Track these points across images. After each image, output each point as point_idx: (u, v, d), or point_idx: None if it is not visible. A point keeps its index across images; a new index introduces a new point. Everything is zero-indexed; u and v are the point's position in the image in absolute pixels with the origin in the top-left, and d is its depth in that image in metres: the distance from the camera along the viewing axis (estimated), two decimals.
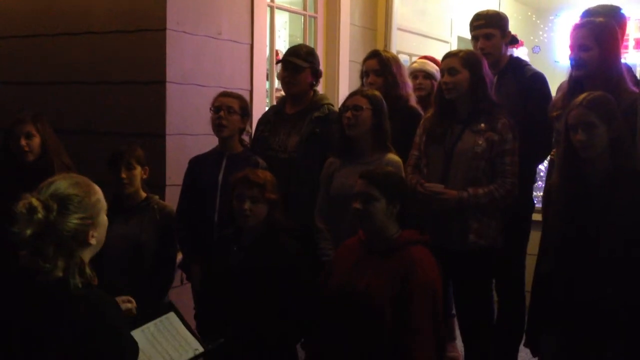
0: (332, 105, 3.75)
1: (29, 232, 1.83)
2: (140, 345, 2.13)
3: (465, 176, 3.18)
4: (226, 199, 3.11)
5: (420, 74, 4.25)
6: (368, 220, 2.69)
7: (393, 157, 3.24)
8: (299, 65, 3.58)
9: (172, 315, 2.53)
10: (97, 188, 2.00)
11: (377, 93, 3.35)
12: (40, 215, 1.83)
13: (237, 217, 2.87)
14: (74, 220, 1.88)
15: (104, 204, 2.00)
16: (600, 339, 2.56)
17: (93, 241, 1.94)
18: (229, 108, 3.35)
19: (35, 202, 1.85)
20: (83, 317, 1.85)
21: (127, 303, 2.34)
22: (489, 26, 3.56)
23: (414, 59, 6.67)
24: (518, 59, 3.79)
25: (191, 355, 2.37)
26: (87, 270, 1.91)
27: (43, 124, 3.45)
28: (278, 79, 3.74)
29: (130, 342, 2.00)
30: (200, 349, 2.41)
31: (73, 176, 2.02)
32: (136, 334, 2.31)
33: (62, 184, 1.93)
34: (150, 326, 2.44)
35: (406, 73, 3.96)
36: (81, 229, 1.90)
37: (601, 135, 2.57)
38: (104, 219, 1.99)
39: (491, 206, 3.18)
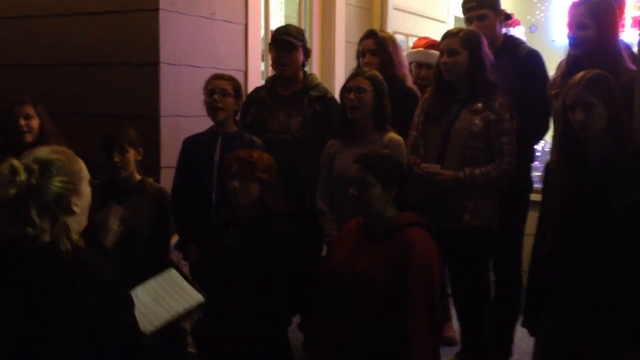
0: (323, 84, 3.75)
1: (12, 192, 1.83)
2: (143, 301, 2.16)
3: (462, 156, 3.17)
4: (223, 178, 3.10)
5: (424, 66, 4.20)
6: (365, 206, 2.68)
7: (394, 136, 3.24)
8: (292, 42, 3.56)
9: (172, 271, 2.55)
10: (78, 159, 2.01)
11: (377, 74, 3.34)
12: (22, 177, 1.85)
13: (229, 196, 2.85)
14: (55, 183, 1.89)
15: (86, 174, 2.00)
16: (597, 319, 2.56)
17: (76, 209, 1.94)
18: (223, 90, 3.34)
19: (17, 163, 1.86)
20: (78, 276, 1.87)
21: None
22: (481, 7, 3.54)
23: (411, 39, 6.64)
24: (513, 37, 3.77)
25: (192, 304, 2.39)
26: (74, 235, 1.93)
27: (42, 109, 3.45)
28: (272, 62, 3.70)
29: (127, 296, 2.03)
30: (201, 298, 2.43)
31: (54, 146, 2.05)
32: (138, 290, 2.35)
33: (43, 150, 1.95)
34: (151, 282, 2.47)
35: (403, 53, 3.94)
36: (64, 192, 1.91)
37: (600, 115, 2.55)
38: (86, 189, 2.00)
39: (488, 186, 3.17)
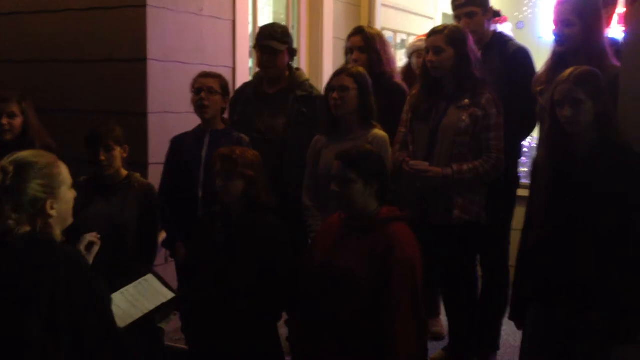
0: (310, 81, 3.75)
1: None
2: (121, 305, 2.18)
3: (450, 152, 3.18)
4: (210, 175, 3.10)
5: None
6: (347, 202, 2.69)
7: (379, 132, 3.24)
8: (277, 49, 3.56)
9: (149, 276, 2.62)
10: (61, 164, 2.03)
11: (361, 70, 3.34)
12: None
13: (218, 193, 2.87)
14: (32, 185, 1.91)
15: (66, 179, 2.02)
16: (583, 312, 2.58)
17: (53, 212, 1.96)
18: (210, 89, 3.34)
19: None
20: (61, 265, 1.89)
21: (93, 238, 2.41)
22: (470, 4, 3.55)
23: (399, 35, 6.67)
24: (501, 34, 3.78)
25: (162, 300, 2.42)
26: (57, 233, 1.96)
27: (28, 105, 3.42)
28: (256, 63, 3.70)
29: (104, 289, 2.05)
30: (171, 295, 2.49)
31: (39, 151, 2.08)
32: (116, 296, 2.36)
33: (25, 153, 1.98)
34: (129, 288, 2.53)
35: (391, 50, 3.95)
36: (40, 196, 1.93)
37: (587, 111, 2.57)
38: (66, 194, 2.01)
39: (476, 182, 3.19)
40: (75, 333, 1.88)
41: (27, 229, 1.90)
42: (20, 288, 1.86)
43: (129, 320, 2.35)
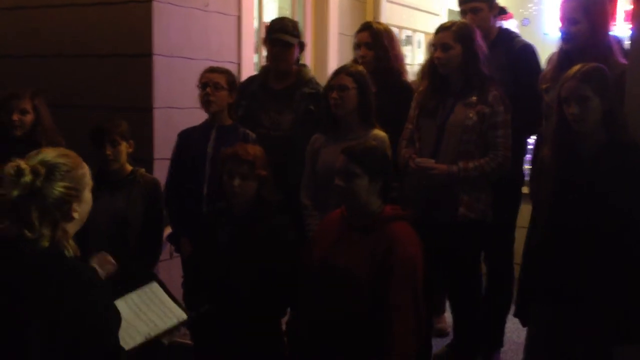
0: (316, 78, 3.74)
1: (15, 193, 1.81)
2: (124, 314, 2.14)
3: (456, 149, 3.17)
4: (215, 170, 3.10)
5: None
6: (350, 197, 2.68)
7: (378, 132, 3.23)
8: (289, 42, 3.55)
9: (154, 285, 2.54)
10: (84, 164, 1.98)
11: (361, 69, 3.33)
12: (27, 179, 1.82)
13: (227, 192, 2.86)
14: (59, 188, 1.87)
15: (89, 181, 1.98)
16: (587, 311, 2.58)
17: (76, 215, 1.92)
18: (216, 84, 3.33)
19: (23, 165, 1.84)
20: (69, 286, 1.85)
21: (109, 265, 2.36)
22: (475, 0, 3.54)
23: (404, 31, 6.65)
24: (507, 31, 3.78)
25: (175, 322, 2.38)
26: (71, 242, 1.91)
27: (40, 102, 3.44)
28: (267, 57, 3.69)
29: (114, 312, 2.00)
30: (184, 317, 2.41)
31: (62, 149, 2.01)
32: (119, 304, 2.31)
33: (51, 153, 1.93)
34: (132, 296, 2.45)
35: (399, 46, 3.93)
36: (66, 198, 1.88)
37: (594, 108, 2.56)
38: (88, 196, 1.98)
39: (482, 179, 3.18)
40: (75, 354, 1.84)
41: (46, 244, 1.85)
42: (24, 302, 1.82)
43: (136, 336, 2.25)
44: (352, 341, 2.59)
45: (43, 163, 1.87)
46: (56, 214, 1.87)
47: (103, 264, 2.48)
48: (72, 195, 1.90)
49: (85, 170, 1.97)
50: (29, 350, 1.80)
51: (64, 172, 1.89)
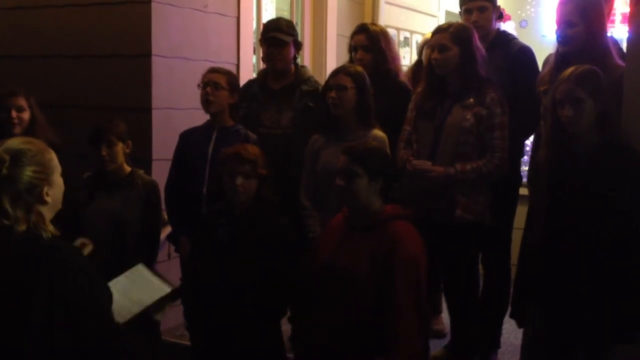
0: (315, 77, 3.75)
1: None
2: (114, 297, 2.18)
3: (453, 151, 3.18)
4: (215, 171, 3.11)
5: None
6: (351, 197, 2.69)
7: (378, 132, 3.24)
8: (283, 40, 3.56)
9: (140, 266, 2.62)
10: (50, 150, 2.02)
11: (359, 69, 3.33)
12: None
13: (229, 192, 2.87)
14: (28, 172, 1.91)
15: (57, 165, 2.02)
16: (583, 311, 2.59)
17: (48, 199, 1.95)
18: (216, 84, 3.34)
19: None
20: (57, 266, 1.88)
21: (84, 247, 2.43)
22: None
23: (402, 32, 6.66)
24: (505, 33, 3.79)
25: (160, 294, 2.42)
26: (49, 224, 1.95)
27: (33, 101, 3.46)
28: (262, 57, 3.71)
29: (103, 287, 2.04)
30: (168, 289, 2.48)
31: (27, 138, 2.07)
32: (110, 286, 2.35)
33: (15, 141, 1.98)
34: (120, 279, 2.54)
35: (395, 46, 3.94)
36: (35, 182, 1.92)
37: (588, 110, 2.57)
38: (59, 180, 2.01)
39: (479, 181, 3.19)
40: (75, 333, 1.88)
41: (23, 227, 1.89)
42: (17, 289, 1.85)
43: (126, 314, 2.33)
44: (355, 341, 2.59)
45: (7, 151, 1.92)
46: (28, 197, 1.91)
47: (82, 247, 2.50)
48: (41, 178, 1.94)
49: (52, 155, 2.01)
50: (28, 336, 1.83)
51: (30, 156, 1.93)
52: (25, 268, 1.86)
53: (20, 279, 1.86)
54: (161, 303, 2.46)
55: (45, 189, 1.94)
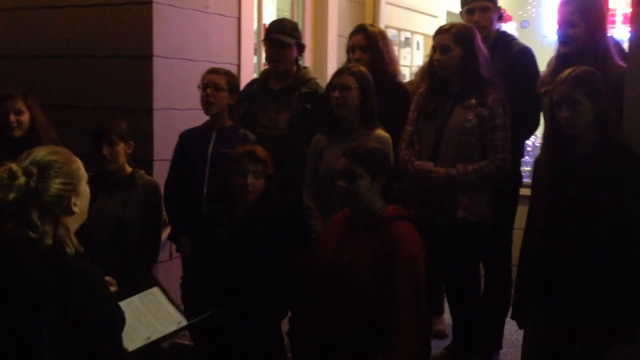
0: (317, 79, 3.75)
1: (11, 196, 1.83)
2: (126, 317, 2.15)
3: (455, 152, 3.18)
4: (215, 172, 3.11)
5: None
6: (353, 198, 2.70)
7: (381, 132, 3.24)
8: (285, 42, 3.57)
9: (155, 289, 2.55)
10: (76, 158, 2.00)
11: (363, 69, 3.33)
12: (21, 181, 1.84)
13: (237, 191, 2.87)
14: (55, 185, 1.89)
15: (84, 173, 2.00)
16: (583, 312, 2.59)
17: (76, 209, 1.94)
18: (216, 85, 3.34)
19: (15, 167, 1.86)
20: (76, 284, 1.86)
21: (110, 285, 2.35)
22: None
23: (403, 33, 6.67)
24: (505, 33, 3.79)
25: (175, 327, 2.39)
26: (74, 239, 1.93)
27: (32, 101, 3.43)
28: (265, 56, 3.71)
29: (117, 309, 2.02)
30: (184, 322, 2.43)
31: (52, 146, 2.04)
32: (121, 306, 2.33)
33: (41, 152, 1.94)
34: (134, 299, 2.47)
35: (393, 48, 3.94)
36: (63, 194, 1.90)
37: (586, 112, 2.57)
38: (85, 188, 1.99)
39: (481, 182, 3.19)
40: (82, 351, 1.85)
41: (50, 242, 1.86)
42: (31, 301, 1.83)
43: (136, 339, 2.27)
44: (355, 340, 2.60)
45: (34, 163, 1.89)
46: (56, 210, 1.89)
47: None
48: (69, 189, 1.92)
49: (79, 164, 1.99)
50: (38, 350, 1.81)
51: (57, 168, 1.90)
52: (42, 281, 1.84)
53: (36, 290, 1.84)
54: (173, 335, 2.42)
55: (73, 199, 1.93)
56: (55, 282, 1.85)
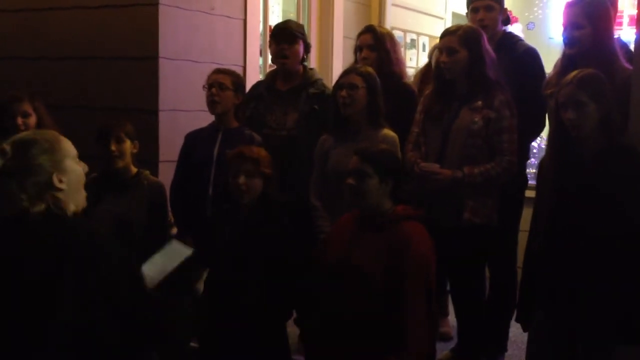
0: (323, 80, 3.76)
1: None
2: (151, 274, 2.19)
3: (461, 154, 3.17)
4: (221, 173, 3.12)
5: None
6: (362, 197, 2.70)
7: (388, 132, 3.24)
8: (293, 33, 3.57)
9: (174, 242, 2.59)
10: (63, 138, 2.02)
11: (370, 70, 3.34)
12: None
13: (233, 192, 2.88)
14: (34, 161, 1.91)
15: (70, 151, 2.00)
16: (587, 314, 2.59)
17: (62, 185, 1.94)
18: (221, 85, 3.35)
19: None
20: (81, 239, 1.89)
21: None
22: None
23: (409, 35, 6.66)
24: (510, 34, 3.78)
25: (181, 259, 2.42)
26: (70, 205, 1.94)
27: (39, 103, 3.44)
28: (271, 57, 3.72)
29: (130, 255, 2.04)
30: (188, 252, 2.46)
31: (40, 130, 2.10)
32: (146, 267, 2.36)
33: (24, 133, 1.99)
34: (156, 257, 2.49)
35: (401, 50, 3.95)
36: (42, 170, 1.92)
37: (591, 114, 2.57)
38: (72, 165, 1.99)
39: (487, 184, 3.18)
40: (111, 305, 1.87)
41: (42, 206, 1.88)
42: (44, 267, 1.84)
43: (158, 278, 2.32)
44: (365, 340, 2.60)
45: (14, 141, 1.92)
46: (37, 186, 1.90)
47: None
48: (49, 165, 1.92)
49: (63, 143, 1.99)
50: (63, 312, 1.82)
51: (37, 146, 1.92)
52: (49, 246, 1.86)
53: (45, 258, 1.85)
54: (195, 269, 2.46)
55: (56, 176, 1.92)
56: (60, 242, 1.86)
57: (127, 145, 3.17)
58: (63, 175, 1.94)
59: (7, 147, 1.90)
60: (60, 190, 1.93)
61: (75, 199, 1.98)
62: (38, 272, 1.84)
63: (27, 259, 1.86)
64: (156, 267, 2.41)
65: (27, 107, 3.38)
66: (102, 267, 1.88)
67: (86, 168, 2.05)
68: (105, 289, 1.87)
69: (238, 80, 3.45)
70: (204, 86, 3.40)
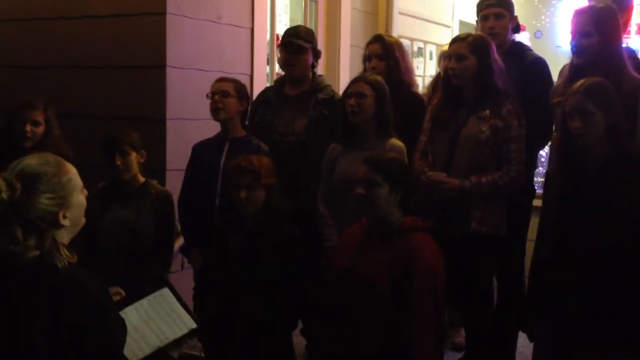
0: (332, 86, 3.76)
1: None
2: (134, 322, 2.10)
3: (469, 163, 3.16)
4: (227, 183, 3.11)
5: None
6: (371, 206, 2.69)
7: (396, 142, 3.23)
8: (301, 45, 3.57)
9: (165, 290, 2.48)
10: (69, 167, 1.92)
11: (379, 78, 3.33)
12: (4, 196, 1.77)
13: (236, 204, 2.87)
14: (41, 200, 1.81)
15: (77, 183, 1.91)
16: (594, 325, 2.57)
17: (66, 222, 1.86)
18: (224, 92, 3.35)
19: (0, 181, 1.79)
20: (67, 295, 1.79)
21: (116, 295, 2.31)
22: (500, 6, 3.57)
23: (416, 43, 6.67)
24: (519, 44, 3.78)
25: (184, 332, 2.35)
26: (63, 250, 1.85)
27: (51, 113, 3.45)
28: (279, 63, 3.72)
29: (117, 318, 1.96)
30: (193, 325, 2.38)
31: (45, 155, 1.95)
32: (130, 311, 2.29)
33: (31, 161, 1.86)
34: (143, 303, 2.41)
35: (409, 58, 3.94)
36: (49, 209, 1.82)
37: (598, 123, 2.57)
38: (78, 198, 1.91)
39: (494, 194, 3.17)
40: None
41: (35, 253, 1.80)
42: (21, 314, 1.77)
43: (145, 347, 2.22)
44: (373, 350, 2.59)
45: (21, 175, 1.81)
46: (41, 224, 1.81)
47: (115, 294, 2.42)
48: (57, 204, 1.84)
49: (71, 175, 1.90)
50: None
51: (45, 181, 1.83)
52: (32, 294, 1.78)
53: (27, 305, 1.78)
54: (182, 340, 2.38)
55: (62, 213, 1.85)
56: (45, 294, 1.78)
57: (133, 157, 3.16)
58: (68, 211, 1.87)
59: (15, 181, 1.79)
60: (63, 227, 1.86)
61: (74, 230, 1.92)
62: (12, 320, 1.77)
63: (6, 302, 1.79)
64: (142, 319, 2.32)
65: (39, 117, 3.38)
66: (81, 329, 1.80)
67: (86, 192, 1.97)
68: (79, 349, 1.79)
69: (240, 87, 3.45)
70: (207, 95, 3.40)
